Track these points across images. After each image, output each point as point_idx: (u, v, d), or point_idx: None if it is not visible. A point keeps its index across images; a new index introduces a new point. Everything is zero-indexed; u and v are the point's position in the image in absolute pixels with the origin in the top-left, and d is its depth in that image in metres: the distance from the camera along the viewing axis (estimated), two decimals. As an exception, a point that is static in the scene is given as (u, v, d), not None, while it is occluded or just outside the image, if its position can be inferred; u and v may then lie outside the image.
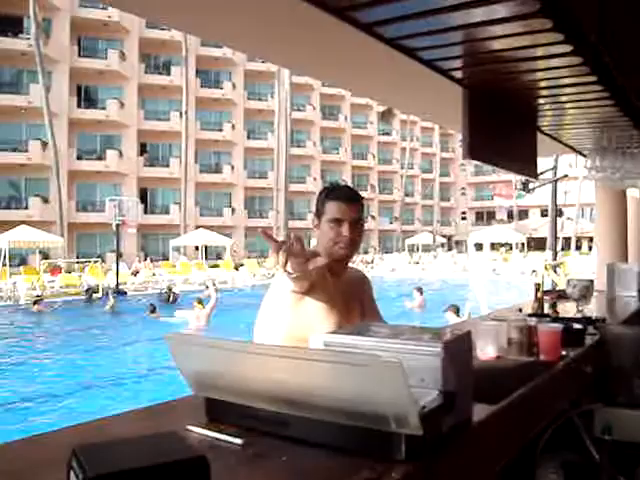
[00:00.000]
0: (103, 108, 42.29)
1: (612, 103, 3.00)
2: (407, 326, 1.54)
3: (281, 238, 2.06)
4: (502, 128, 2.99)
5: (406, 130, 56.82)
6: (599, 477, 2.20)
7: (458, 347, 1.33)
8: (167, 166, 44.68)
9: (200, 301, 15.92)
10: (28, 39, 36.18)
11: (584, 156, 4.86)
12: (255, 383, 1.31)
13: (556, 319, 2.86)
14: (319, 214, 2.45)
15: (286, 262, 1.98)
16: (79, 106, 41.70)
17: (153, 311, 17.33)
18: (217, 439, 1.33)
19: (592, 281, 3.73)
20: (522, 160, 3.32)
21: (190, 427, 1.39)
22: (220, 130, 47.48)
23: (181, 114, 42.82)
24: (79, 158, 41.45)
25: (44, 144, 37.62)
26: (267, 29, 2.04)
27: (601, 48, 2.30)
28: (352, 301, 2.49)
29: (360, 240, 2.48)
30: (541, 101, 3.16)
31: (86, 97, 42.51)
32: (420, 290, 18.60)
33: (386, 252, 48.63)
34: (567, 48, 2.12)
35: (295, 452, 1.23)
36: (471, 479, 1.51)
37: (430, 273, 36.26)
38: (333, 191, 2.48)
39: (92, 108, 42.09)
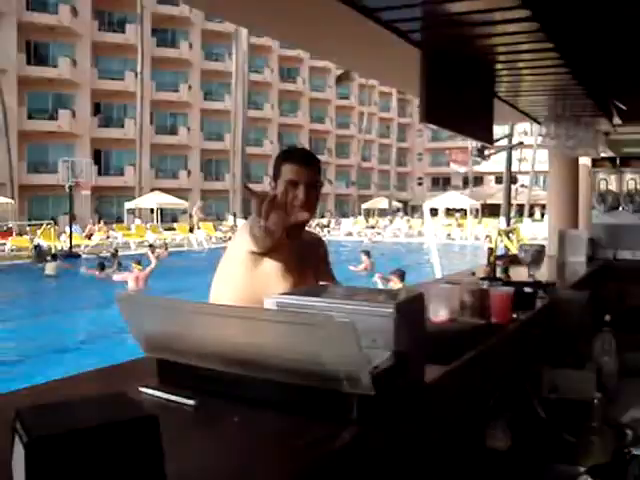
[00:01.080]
0: (55, 66, 41.03)
1: (567, 71, 3.03)
2: (362, 288, 1.55)
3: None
4: (459, 93, 2.99)
5: (364, 94, 56.63)
6: (545, 434, 2.27)
7: (410, 308, 1.34)
8: (122, 127, 43.76)
9: (139, 262, 15.69)
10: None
11: (539, 123, 4.92)
12: (208, 344, 1.30)
13: (508, 283, 2.91)
14: (276, 177, 2.44)
15: (267, 215, 1.98)
16: (29, 63, 40.37)
17: (102, 269, 17.22)
18: (169, 400, 1.32)
19: (543, 246, 3.81)
20: (478, 125, 3.34)
21: (142, 388, 1.38)
22: (176, 91, 46.61)
23: (136, 74, 41.82)
24: (30, 117, 40.28)
25: (-9, 102, 36.47)
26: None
27: (559, 15, 2.30)
28: (307, 264, 2.50)
29: (316, 203, 2.48)
30: (498, 67, 3.17)
31: (36, 54, 41.14)
32: (367, 253, 18.43)
33: (342, 216, 48.76)
34: (525, 13, 2.12)
35: (248, 413, 1.23)
36: (423, 439, 1.54)
37: (385, 237, 36.59)
38: (290, 154, 2.50)
39: (43, 65, 40.80)
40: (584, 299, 3.14)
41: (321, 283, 2.30)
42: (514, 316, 2.45)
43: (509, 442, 2.07)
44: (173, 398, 1.30)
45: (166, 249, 22.07)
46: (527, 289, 2.74)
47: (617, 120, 5.04)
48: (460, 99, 3.02)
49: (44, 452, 0.68)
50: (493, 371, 2.18)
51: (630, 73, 3.99)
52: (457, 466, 1.79)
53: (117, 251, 20.57)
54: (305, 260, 2.48)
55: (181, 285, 14.19)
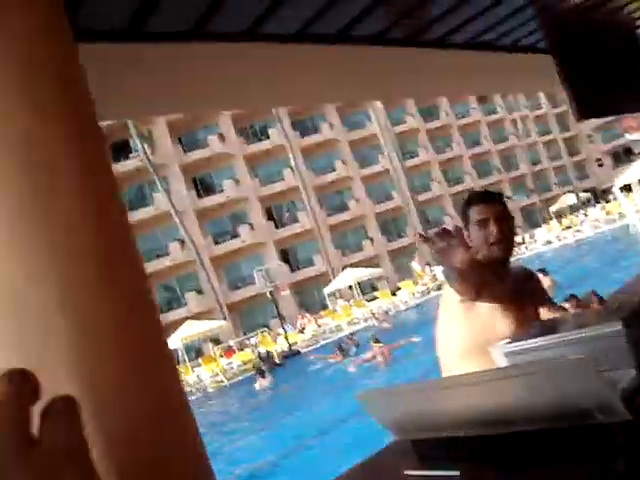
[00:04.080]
0: (221, 191, 44.34)
1: None
2: (578, 313, 1.52)
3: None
4: (604, 77, 2.88)
5: (509, 102, 55.07)
6: None
7: (637, 318, 1.30)
8: (297, 222, 45.86)
9: (376, 339, 16.21)
10: (138, 156, 39.01)
11: None
12: (452, 414, 1.34)
13: None
14: (466, 224, 2.51)
15: (448, 255, 2.02)
16: (199, 197, 43.99)
17: (342, 351, 17.82)
18: (435, 476, 1.37)
19: None
20: (634, 98, 3.17)
21: (407, 472, 1.44)
22: (333, 170, 48.22)
23: (292, 169, 44.04)
24: (216, 243, 43.53)
25: (181, 242, 39.98)
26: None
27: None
28: (524, 299, 2.46)
29: (512, 236, 2.51)
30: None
31: (203, 186, 44.80)
32: (544, 272, 16.70)
33: (533, 227, 46.88)
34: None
35: (512, 471, 1.25)
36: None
37: (586, 232, 34.58)
38: (472, 196, 2.58)
39: (211, 194, 44.27)
40: None
41: (544, 316, 2.27)
42: None
43: None
44: (438, 474, 1.35)
45: (387, 319, 22.58)
46: None
47: None
48: (607, 82, 2.90)
49: None
50: None
51: None
52: None
53: (353, 334, 21.26)
54: (521, 295, 2.46)
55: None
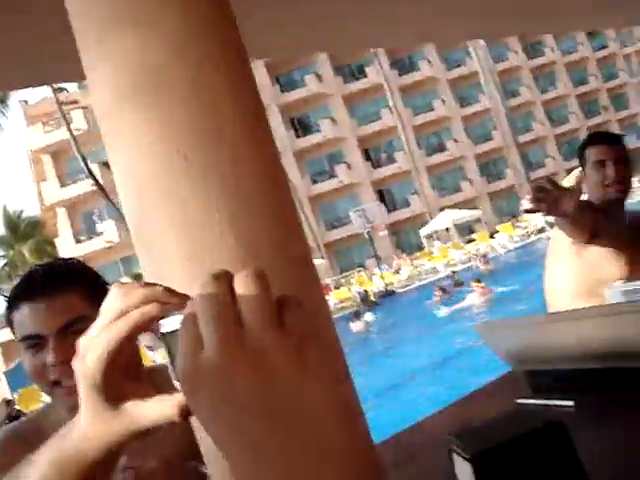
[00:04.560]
0: (318, 131, 44.45)
1: None
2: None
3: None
4: None
5: (622, 35, 51.73)
6: None
7: None
8: (394, 162, 45.52)
9: (478, 280, 16.18)
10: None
11: None
12: (567, 347, 1.41)
13: None
14: (583, 164, 2.52)
15: (555, 207, 1.97)
16: (297, 137, 44.29)
17: (444, 292, 17.92)
18: (548, 405, 1.45)
19: None
20: None
21: (519, 400, 1.53)
22: (432, 110, 47.25)
23: (390, 109, 43.52)
24: (314, 183, 43.92)
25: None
26: None
27: None
28: (638, 242, 2.44)
29: (628, 179, 2.48)
30: None
31: (300, 126, 45.00)
32: None
33: (643, 171, 44.56)
34: None
35: (631, 404, 1.30)
36: None
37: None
38: (592, 137, 2.59)
39: (309, 134, 44.48)
40: None
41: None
42: None
43: None
44: (552, 403, 1.43)
45: (487, 262, 22.34)
46: None
47: None
48: None
49: (483, 464, 0.87)
50: None
51: None
52: None
53: (455, 272, 21.23)
54: (635, 237, 2.44)
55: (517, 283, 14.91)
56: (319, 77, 44.67)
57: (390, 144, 46.06)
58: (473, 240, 32.62)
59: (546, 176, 2.15)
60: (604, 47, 54.88)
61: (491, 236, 31.48)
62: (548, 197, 1.91)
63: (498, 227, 32.92)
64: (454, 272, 21.19)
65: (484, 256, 23.45)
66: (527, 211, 1.93)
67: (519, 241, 28.84)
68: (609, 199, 2.42)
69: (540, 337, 1.44)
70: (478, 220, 39.89)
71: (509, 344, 1.51)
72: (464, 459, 0.89)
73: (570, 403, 1.40)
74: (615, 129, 50.80)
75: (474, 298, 15.75)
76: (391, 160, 45.74)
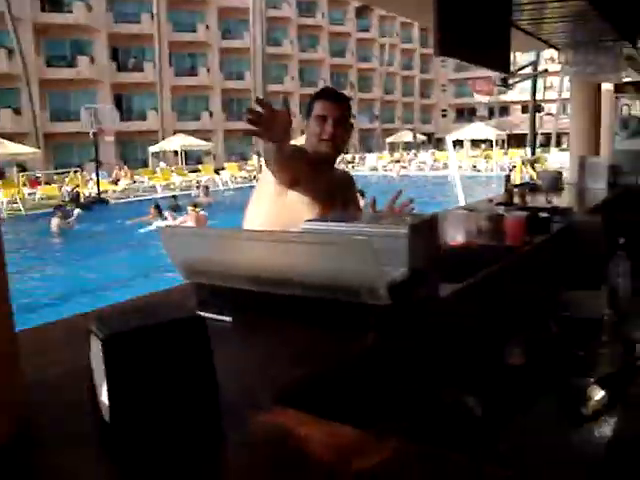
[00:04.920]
0: (70, 11, 40.62)
1: (582, -4, 3.05)
2: (383, 213, 1.68)
3: None
4: (474, 23, 3.03)
5: (385, 26, 55.38)
6: (559, 350, 2.40)
7: (424, 229, 1.47)
8: (141, 71, 43.51)
9: (195, 205, 16.15)
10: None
11: (558, 50, 4.91)
12: (240, 266, 1.45)
13: (523, 208, 3.02)
14: (308, 114, 2.58)
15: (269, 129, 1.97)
16: (43, 10, 40.03)
17: (159, 211, 17.56)
18: (209, 318, 1.47)
19: (560, 173, 3.89)
20: (495, 55, 3.38)
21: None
22: (194, 31, 46.01)
23: (152, 16, 41.33)
24: (49, 65, 40.21)
25: (9, 52, 36.40)
26: None
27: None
28: (336, 198, 2.60)
29: (345, 139, 2.61)
30: (513, -5, 3.19)
31: (50, 0, 40.76)
32: (362, 193, 17.12)
33: (367, 151, 48.43)
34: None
35: (279, 326, 1.39)
36: (440, 349, 1.69)
37: (411, 171, 36.45)
38: (321, 91, 2.64)
39: (58, 12, 40.42)
40: (599, 223, 3.23)
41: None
42: (529, 239, 2.56)
43: (525, 358, 2.21)
44: (211, 315, 1.46)
45: (207, 194, 22.32)
46: (542, 214, 2.84)
47: None
48: (475, 30, 3.06)
49: (116, 345, 0.84)
50: (508, 291, 2.31)
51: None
52: (478, 378, 1.93)
53: (176, 197, 20.69)
54: (334, 194, 2.59)
55: (230, 220, 15.02)
56: (87, -45, 40.77)
57: (142, 51, 43.90)
58: (198, 170, 32.75)
59: (258, 97, 2.15)
60: (366, 30, 58.16)
61: (216, 171, 31.86)
62: (260, 119, 1.93)
63: (225, 164, 33.41)
64: (175, 196, 20.93)
65: (206, 187, 23.58)
66: (245, 132, 1.93)
67: (241, 182, 29.60)
68: (321, 152, 2.53)
69: (214, 251, 1.46)
70: (208, 152, 40.08)
71: (186, 253, 1.50)
72: (99, 340, 0.86)
73: (229, 318, 1.44)
74: (354, 106, 54.36)
75: (187, 221, 15.71)
76: (138, 68, 43.64)
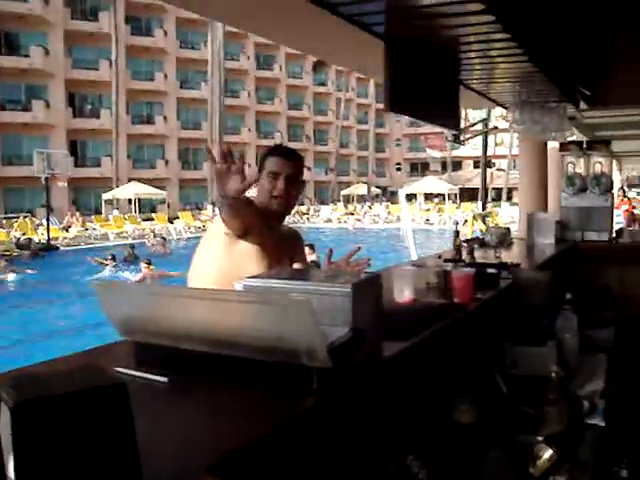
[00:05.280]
0: (27, 55, 40.44)
1: (527, 59, 3.13)
2: (327, 270, 1.65)
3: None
4: (424, 82, 3.09)
5: (341, 80, 56.56)
6: (508, 408, 2.38)
7: (367, 288, 1.44)
8: (98, 117, 43.35)
9: (149, 262, 15.90)
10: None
11: (506, 109, 5.04)
12: (178, 325, 1.39)
13: (471, 264, 3.03)
14: (260, 170, 2.58)
15: (225, 180, 2.03)
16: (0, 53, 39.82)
17: (114, 260, 17.28)
18: (144, 378, 1.41)
19: (508, 229, 3.94)
20: (444, 113, 3.44)
21: (118, 368, 1.47)
22: (152, 80, 46.23)
23: (111, 63, 41.43)
24: (3, 109, 39.78)
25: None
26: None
27: (512, 6, 2.41)
28: (284, 255, 2.60)
29: (296, 196, 2.64)
30: (462, 56, 3.27)
31: (7, 43, 40.51)
32: (311, 247, 16.72)
33: (322, 203, 48.81)
34: (479, 6, 2.22)
35: (216, 388, 1.33)
36: (383, 410, 1.65)
37: (365, 223, 36.80)
38: (274, 148, 2.66)
39: (14, 55, 40.21)
40: (547, 279, 3.27)
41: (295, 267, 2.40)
42: (477, 296, 2.56)
43: (474, 415, 2.18)
44: (147, 376, 1.40)
45: (164, 245, 22.06)
46: (490, 270, 2.85)
47: (583, 105, 5.18)
48: (425, 88, 3.12)
49: (27, 415, 0.78)
50: (455, 348, 2.29)
51: (592, 59, 4.12)
52: (425, 438, 1.89)
53: (134, 247, 20.28)
54: (282, 249, 2.59)
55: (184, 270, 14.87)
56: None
57: (99, 98, 43.83)
58: (152, 219, 32.49)
59: (227, 145, 2.18)
60: (323, 84, 59.31)
61: (170, 220, 31.64)
62: (226, 167, 1.94)
63: (180, 213, 33.23)
64: (132, 246, 20.60)
65: (164, 238, 23.41)
66: (207, 149, 1.94)
67: (195, 232, 29.41)
68: (272, 209, 2.54)
69: (151, 309, 1.40)
70: (163, 201, 39.86)
71: (122, 310, 1.44)
72: (8, 408, 0.79)
73: (165, 379, 1.38)
74: (310, 159, 55.03)
75: (140, 278, 15.54)
76: (95, 114, 43.48)
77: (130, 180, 38.41)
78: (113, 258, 17.58)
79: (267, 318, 1.22)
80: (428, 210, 39.24)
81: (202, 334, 1.34)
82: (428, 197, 44.55)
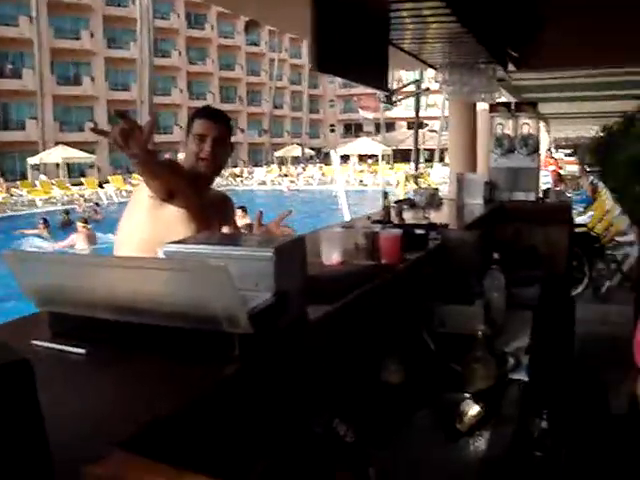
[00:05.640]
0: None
1: (455, 19, 3.13)
2: (251, 235, 1.62)
3: None
4: (352, 40, 3.04)
5: (275, 41, 55.73)
6: (435, 366, 2.42)
7: (290, 251, 1.42)
8: (20, 78, 41.53)
9: (85, 221, 15.43)
10: None
11: (436, 70, 5.05)
12: (95, 294, 1.34)
13: (399, 225, 3.04)
14: (188, 132, 2.53)
15: (125, 142, 1.91)
16: None
17: (47, 226, 16.66)
18: (61, 350, 1.36)
19: (437, 189, 3.97)
20: (372, 73, 3.40)
21: (34, 341, 1.41)
22: (78, 39, 44.47)
23: (31, 19, 39.57)
24: None
25: None
26: None
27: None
28: (213, 219, 2.56)
29: (223, 160, 2.59)
30: (392, 15, 3.23)
31: None
32: (244, 209, 16.00)
33: (255, 165, 48.39)
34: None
35: (136, 359, 1.29)
36: (310, 374, 1.64)
37: (299, 185, 36.75)
38: (201, 110, 2.59)
39: None
40: (475, 239, 3.31)
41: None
42: (405, 257, 2.57)
43: (402, 375, 2.21)
44: (64, 347, 1.35)
45: (96, 211, 21.42)
46: (418, 230, 2.87)
47: (511, 67, 5.24)
48: (354, 47, 3.07)
49: None
50: (383, 309, 2.30)
51: (521, 22, 4.16)
52: (353, 400, 1.90)
53: (68, 212, 19.62)
54: (211, 213, 2.55)
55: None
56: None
57: (21, 57, 41.91)
58: (81, 184, 31.59)
59: (117, 110, 2.11)
60: (256, 44, 58.32)
61: (100, 185, 30.83)
62: (119, 132, 1.85)
63: (110, 178, 32.39)
64: (67, 211, 19.94)
65: (97, 204, 22.80)
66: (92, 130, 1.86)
67: (126, 197, 28.77)
68: (199, 172, 2.49)
69: (66, 278, 1.34)
70: (92, 165, 38.75)
71: (37, 280, 1.37)
72: None
73: (82, 350, 1.33)
74: (243, 120, 54.37)
75: (78, 239, 15.04)
76: (17, 74, 41.61)
77: (57, 144, 37.08)
78: (45, 222, 16.98)
79: (184, 285, 1.18)
80: (362, 171, 39.41)
81: (119, 303, 1.30)
82: (362, 158, 44.72)
